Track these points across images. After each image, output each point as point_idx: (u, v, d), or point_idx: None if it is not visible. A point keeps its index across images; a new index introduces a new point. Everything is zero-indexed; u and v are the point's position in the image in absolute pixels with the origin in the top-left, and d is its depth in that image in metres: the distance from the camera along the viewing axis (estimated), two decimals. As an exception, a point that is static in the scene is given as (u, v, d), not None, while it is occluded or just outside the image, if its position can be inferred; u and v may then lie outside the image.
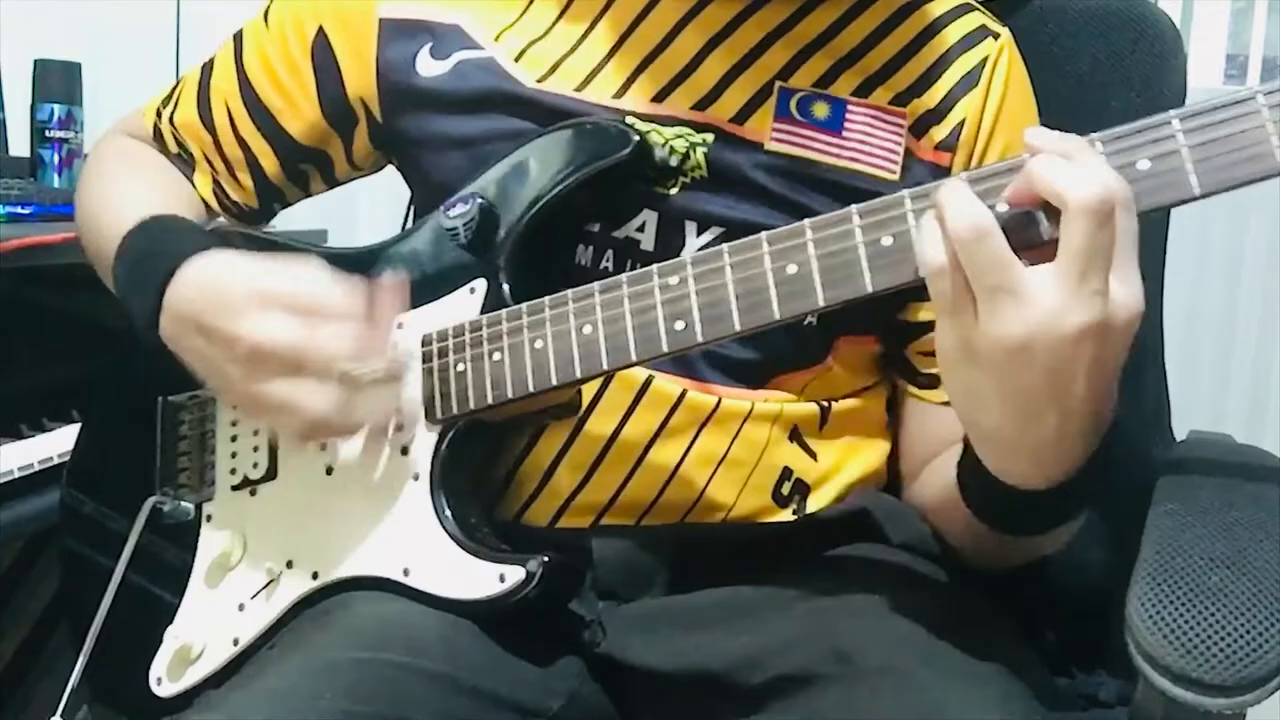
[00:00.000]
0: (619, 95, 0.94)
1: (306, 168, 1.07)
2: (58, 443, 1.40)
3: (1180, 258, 1.17)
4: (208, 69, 1.08)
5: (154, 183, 1.06)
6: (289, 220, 1.22)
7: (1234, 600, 0.67)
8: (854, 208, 0.75)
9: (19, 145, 1.76)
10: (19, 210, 1.54)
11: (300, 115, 1.04)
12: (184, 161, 1.08)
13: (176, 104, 1.09)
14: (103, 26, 2.13)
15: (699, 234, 0.92)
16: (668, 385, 0.90)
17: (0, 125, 1.75)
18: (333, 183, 1.09)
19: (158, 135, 1.09)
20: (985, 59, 0.97)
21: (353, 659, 0.77)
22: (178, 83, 1.11)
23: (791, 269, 0.76)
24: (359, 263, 0.98)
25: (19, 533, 1.41)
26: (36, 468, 1.37)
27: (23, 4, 1.91)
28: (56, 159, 1.70)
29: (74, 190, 1.64)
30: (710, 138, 0.92)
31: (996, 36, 0.98)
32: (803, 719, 0.78)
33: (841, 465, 0.96)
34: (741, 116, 0.93)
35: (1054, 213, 0.67)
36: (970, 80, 0.96)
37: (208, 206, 1.08)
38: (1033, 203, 0.68)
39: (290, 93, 1.04)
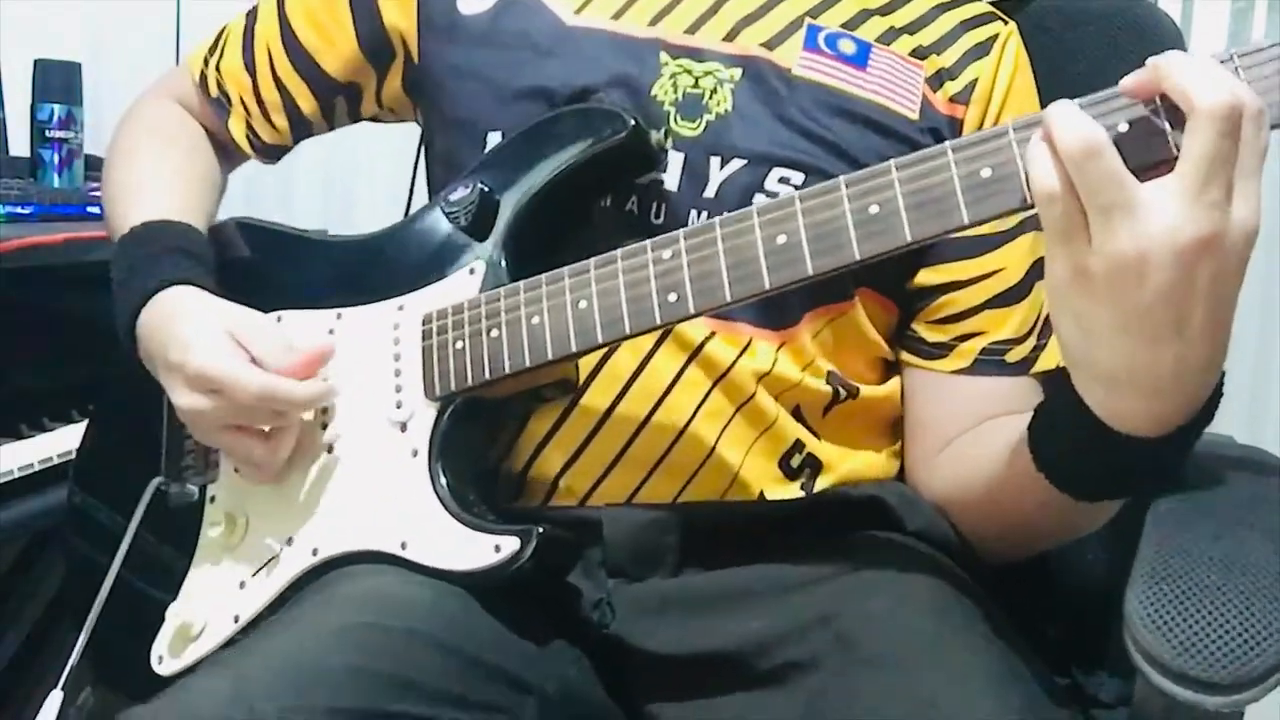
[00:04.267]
0: (654, 23, 0.96)
1: (338, 101, 1.10)
2: (58, 443, 1.40)
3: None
4: (252, 16, 1.12)
5: (172, 167, 1.09)
6: (289, 220, 1.22)
7: (1232, 599, 0.66)
8: (841, 178, 0.76)
9: (19, 145, 1.76)
10: (19, 210, 1.54)
11: (338, 53, 1.07)
12: (221, 107, 1.11)
13: (222, 52, 1.12)
14: (103, 26, 2.13)
15: (722, 167, 0.93)
16: (692, 330, 0.91)
17: (0, 125, 1.75)
18: (356, 117, 1.12)
19: (203, 82, 1.12)
20: (996, 35, 1.01)
21: (355, 623, 0.78)
22: (221, 32, 1.14)
23: (781, 239, 0.77)
24: (365, 249, 1.00)
25: (20, 532, 1.41)
26: (36, 468, 1.37)
27: (23, 4, 1.91)
28: (56, 159, 1.70)
29: (74, 190, 1.66)
30: (739, 73, 0.95)
31: (1006, 22, 1.03)
32: (803, 704, 0.78)
33: (848, 456, 0.97)
34: (772, 44, 0.96)
35: (1174, 126, 0.66)
36: (982, 49, 0.99)
37: (236, 150, 1.12)
38: (1151, 95, 0.67)
39: (329, 32, 1.07)
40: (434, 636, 0.78)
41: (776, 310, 0.93)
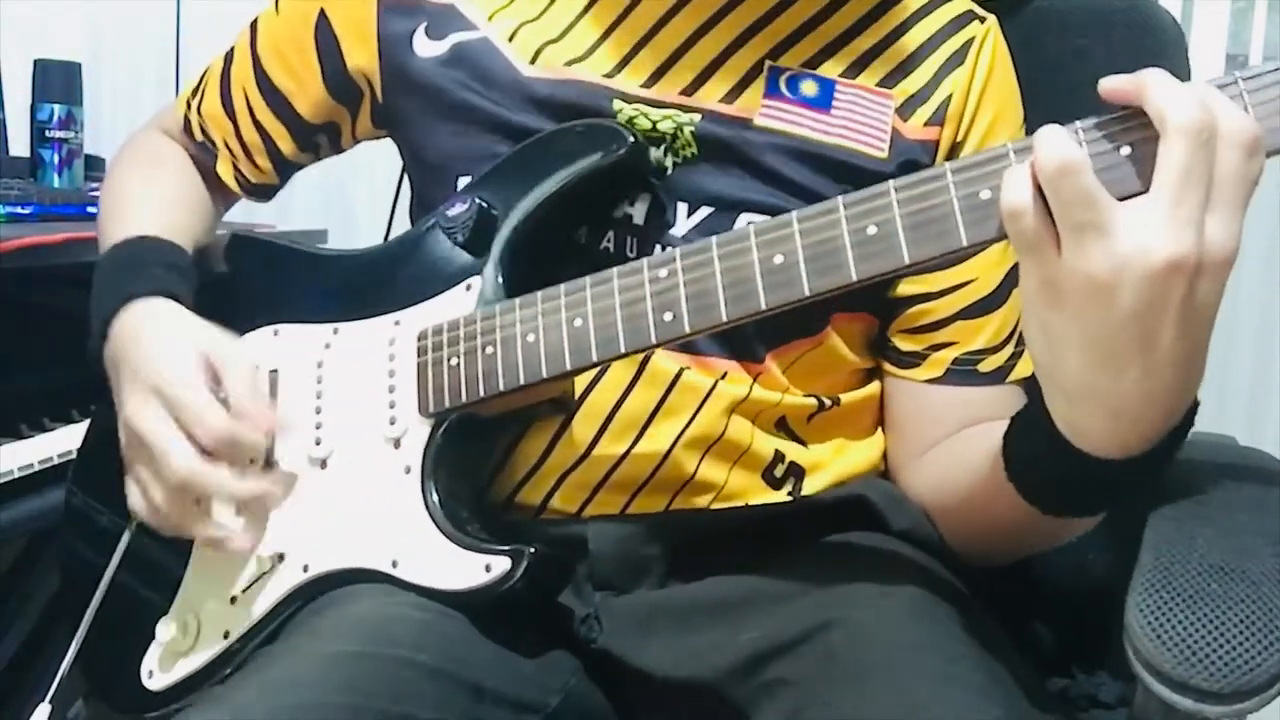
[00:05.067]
0: (610, 75, 0.95)
1: (319, 139, 1.10)
2: (58, 443, 1.40)
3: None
4: (229, 58, 1.12)
5: (161, 190, 1.10)
6: (289, 220, 1.23)
7: (1233, 607, 0.66)
8: (840, 198, 0.75)
9: (19, 145, 1.76)
10: (19, 210, 1.54)
11: (308, 96, 1.07)
12: (208, 151, 1.12)
13: (203, 95, 1.13)
14: (103, 26, 2.14)
15: (690, 213, 0.93)
16: (665, 364, 0.91)
17: (0, 125, 1.75)
18: (339, 150, 1.13)
19: (188, 126, 1.13)
20: (971, 39, 0.99)
21: (353, 652, 0.77)
22: (204, 73, 1.14)
23: (778, 259, 0.76)
24: (361, 263, 1.00)
25: (19, 532, 1.40)
26: (36, 468, 1.37)
27: (23, 4, 1.91)
28: (56, 159, 1.70)
29: (74, 190, 1.66)
30: (697, 118, 0.93)
31: (982, 20, 1.01)
32: (786, 717, 0.78)
33: (836, 455, 0.97)
34: (730, 97, 0.95)
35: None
36: (957, 59, 0.98)
37: (229, 189, 1.13)
38: (1126, 104, 0.66)
39: (299, 75, 1.07)
40: (434, 664, 0.78)
41: (746, 348, 0.92)
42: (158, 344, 0.91)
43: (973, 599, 0.87)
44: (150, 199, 1.08)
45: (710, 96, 0.94)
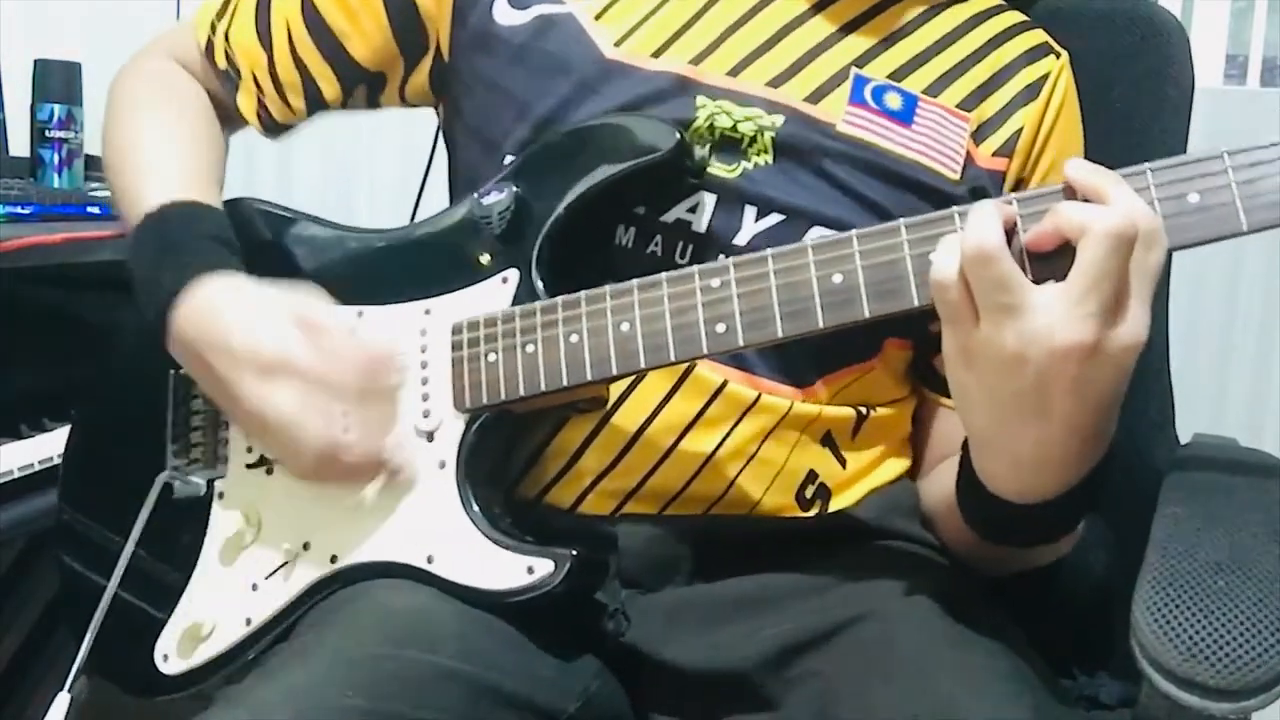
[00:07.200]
0: (696, 62, 0.94)
1: (359, 90, 1.05)
2: (58, 443, 1.39)
3: (1182, 258, 1.17)
4: None
5: (182, 134, 1.02)
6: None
7: (1239, 604, 0.67)
8: (901, 221, 0.75)
9: (19, 145, 1.76)
10: (19, 210, 1.53)
11: (367, 39, 1.02)
12: (229, 79, 1.05)
13: (232, 19, 1.05)
14: (103, 26, 2.13)
15: (758, 219, 0.91)
16: (710, 374, 0.90)
17: (0, 125, 1.75)
18: (374, 105, 1.08)
19: (209, 49, 1.06)
20: (1047, 74, 0.99)
21: (373, 654, 0.77)
22: None
23: (837, 279, 0.76)
24: (388, 244, 0.98)
25: (19, 532, 1.40)
26: (36, 468, 1.37)
27: (23, 4, 1.91)
28: (56, 159, 1.70)
29: (74, 190, 1.66)
30: (780, 120, 0.92)
31: (1058, 55, 1.01)
32: (816, 711, 0.78)
33: (867, 473, 0.97)
34: (816, 96, 0.94)
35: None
36: (1032, 92, 0.98)
37: (245, 122, 1.07)
38: (1057, 243, 0.71)
39: (357, 16, 1.02)
40: (454, 666, 0.77)
41: (797, 372, 0.92)
42: (248, 323, 0.85)
43: (988, 600, 0.87)
44: (174, 145, 1.00)
45: (796, 94, 0.93)
